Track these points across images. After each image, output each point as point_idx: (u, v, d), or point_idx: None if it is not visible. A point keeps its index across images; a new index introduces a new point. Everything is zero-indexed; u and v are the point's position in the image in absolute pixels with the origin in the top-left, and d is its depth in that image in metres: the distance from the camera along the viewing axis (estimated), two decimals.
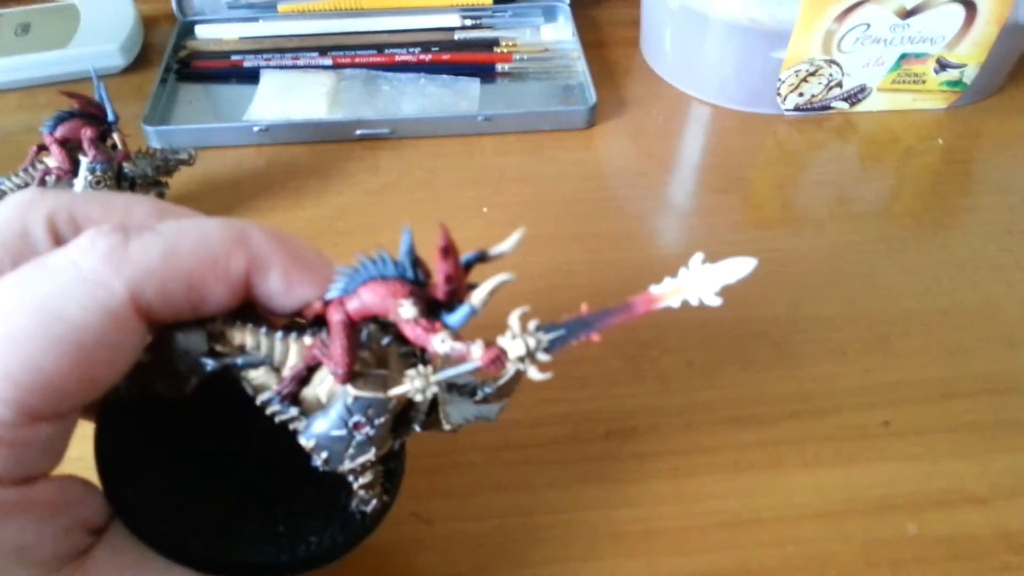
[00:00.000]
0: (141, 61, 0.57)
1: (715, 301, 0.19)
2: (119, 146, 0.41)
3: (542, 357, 0.20)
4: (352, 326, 0.22)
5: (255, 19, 0.58)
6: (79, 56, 0.54)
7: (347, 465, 0.24)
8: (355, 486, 0.25)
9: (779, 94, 0.51)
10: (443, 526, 0.32)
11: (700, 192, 0.48)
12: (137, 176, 0.42)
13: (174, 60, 0.56)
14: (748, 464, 0.34)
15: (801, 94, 0.51)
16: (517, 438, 0.35)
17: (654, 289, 0.20)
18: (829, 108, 0.52)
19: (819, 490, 0.33)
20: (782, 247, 0.44)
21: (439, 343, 0.20)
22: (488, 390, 0.25)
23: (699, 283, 0.19)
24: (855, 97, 0.52)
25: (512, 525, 0.32)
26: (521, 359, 0.20)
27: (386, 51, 0.56)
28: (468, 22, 0.58)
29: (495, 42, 0.57)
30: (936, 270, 0.43)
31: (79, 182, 0.40)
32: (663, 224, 0.46)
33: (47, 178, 0.40)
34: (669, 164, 0.50)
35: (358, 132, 0.50)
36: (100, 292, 0.20)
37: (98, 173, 0.40)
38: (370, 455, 0.24)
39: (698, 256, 0.19)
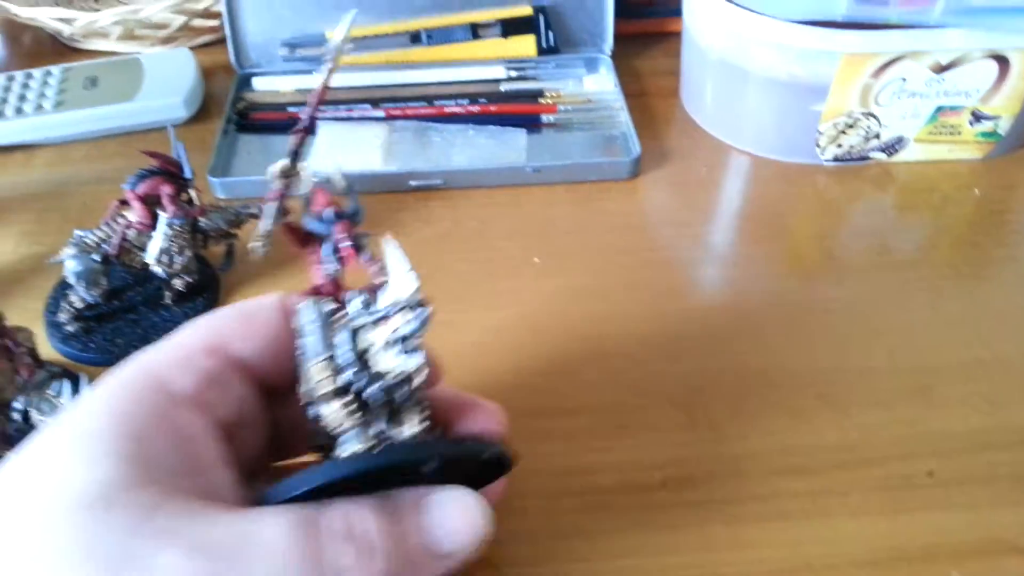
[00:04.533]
0: (201, 112, 0.60)
1: None
2: (195, 201, 0.43)
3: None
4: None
5: (309, 72, 0.61)
6: (145, 108, 0.57)
7: None
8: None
9: (818, 145, 0.53)
10: (508, 571, 0.34)
11: (742, 242, 0.50)
12: (211, 229, 0.44)
13: (233, 112, 0.58)
14: (798, 512, 0.36)
15: (840, 145, 0.53)
16: (575, 485, 0.37)
17: None
18: (867, 159, 0.54)
19: (866, 539, 0.35)
20: (825, 296, 0.46)
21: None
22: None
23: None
24: (892, 148, 0.53)
25: (571, 571, 0.34)
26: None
27: (435, 103, 0.58)
28: (513, 74, 0.61)
29: (540, 93, 0.59)
30: (976, 321, 0.44)
31: (157, 235, 0.42)
32: (706, 274, 0.48)
33: (128, 232, 0.42)
34: (711, 214, 0.52)
35: (411, 183, 0.52)
36: None
37: (176, 228, 0.42)
38: None
39: None
